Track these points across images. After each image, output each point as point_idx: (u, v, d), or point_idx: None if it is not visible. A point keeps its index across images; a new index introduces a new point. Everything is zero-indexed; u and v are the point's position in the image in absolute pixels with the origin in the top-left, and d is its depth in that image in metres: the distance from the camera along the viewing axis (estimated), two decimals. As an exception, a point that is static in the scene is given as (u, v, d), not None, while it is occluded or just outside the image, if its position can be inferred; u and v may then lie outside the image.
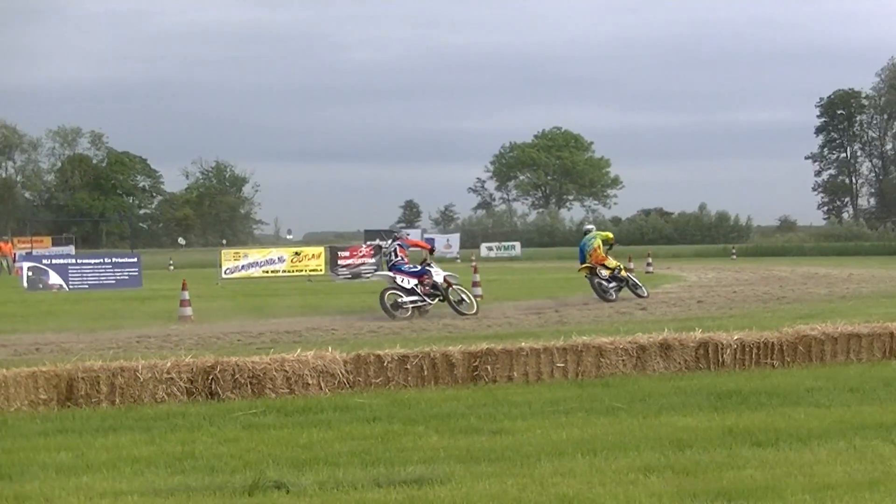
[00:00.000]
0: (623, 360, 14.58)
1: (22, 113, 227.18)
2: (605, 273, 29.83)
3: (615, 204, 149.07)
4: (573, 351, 14.53)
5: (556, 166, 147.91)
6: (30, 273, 42.48)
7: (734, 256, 72.89)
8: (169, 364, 13.37)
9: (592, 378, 14.31)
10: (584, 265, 30.19)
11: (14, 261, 65.01)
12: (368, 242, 66.63)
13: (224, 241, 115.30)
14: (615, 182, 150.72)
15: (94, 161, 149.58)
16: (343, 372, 13.85)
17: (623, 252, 46.05)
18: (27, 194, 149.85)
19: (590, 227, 32.76)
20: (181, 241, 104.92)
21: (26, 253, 66.74)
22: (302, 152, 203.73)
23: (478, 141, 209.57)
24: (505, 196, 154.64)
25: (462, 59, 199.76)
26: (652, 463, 9.45)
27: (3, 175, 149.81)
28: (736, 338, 15.03)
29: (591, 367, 14.48)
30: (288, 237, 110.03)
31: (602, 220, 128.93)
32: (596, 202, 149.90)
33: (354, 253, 49.99)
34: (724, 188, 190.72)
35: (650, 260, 51.02)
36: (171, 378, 13.29)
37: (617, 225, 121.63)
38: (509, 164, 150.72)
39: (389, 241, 28.29)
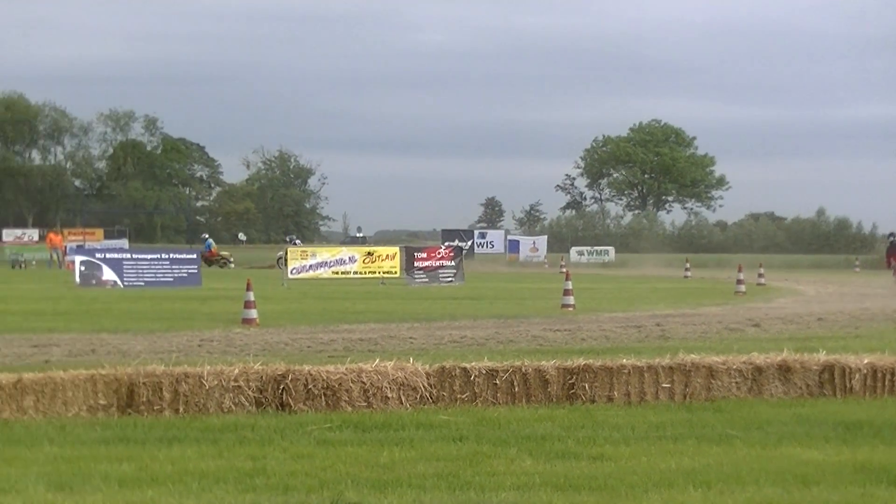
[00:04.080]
0: (736, 383, 14.44)
1: (72, 95, 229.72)
2: None
3: (720, 206, 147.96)
4: (680, 370, 14.41)
5: (654, 163, 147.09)
6: (82, 268, 42.96)
7: (857, 269, 72.05)
8: (237, 371, 13.44)
9: (702, 401, 14.19)
10: None
11: (65, 254, 66.08)
12: (447, 243, 66.92)
13: (288, 238, 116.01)
14: (720, 182, 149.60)
15: (148, 148, 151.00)
16: (426, 385, 13.83)
17: (730, 260, 45.63)
18: (77, 182, 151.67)
19: None
20: (242, 236, 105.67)
21: (77, 246, 67.73)
22: (372, 142, 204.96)
23: (567, 134, 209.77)
24: (597, 195, 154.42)
25: (547, 44, 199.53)
26: (774, 499, 9.34)
27: (53, 161, 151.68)
28: (866, 361, 14.76)
29: (701, 389, 14.36)
30: (357, 235, 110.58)
31: (705, 223, 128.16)
32: (699, 204, 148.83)
33: (432, 254, 49.93)
34: (846, 191, 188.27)
35: (762, 270, 50.55)
36: (239, 386, 13.36)
37: (723, 231, 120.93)
38: (602, 159, 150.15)
39: None
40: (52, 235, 74.26)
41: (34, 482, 9.74)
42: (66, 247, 69.29)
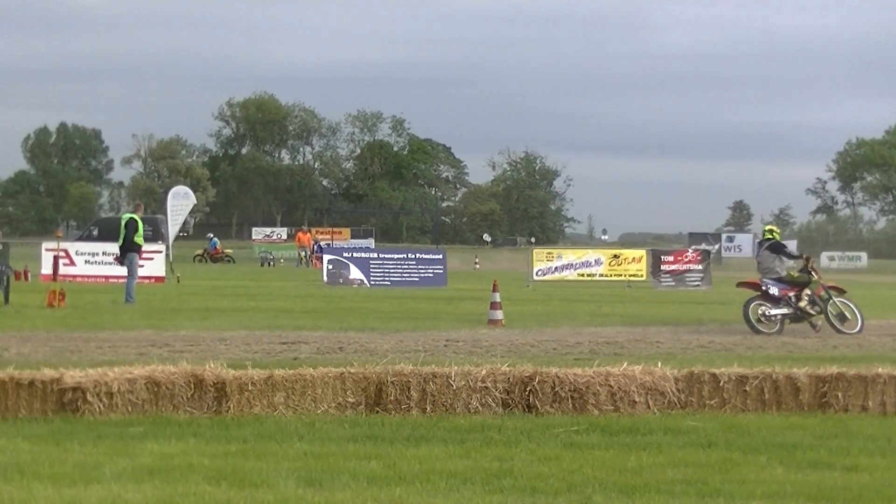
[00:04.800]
0: None
1: (321, 96, 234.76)
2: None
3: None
4: (940, 380, 14.01)
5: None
6: (330, 266, 43.95)
7: None
8: (484, 372, 13.52)
9: (963, 413, 13.78)
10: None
11: (312, 252, 67.65)
12: (694, 247, 66.34)
13: (533, 240, 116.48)
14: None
15: (395, 148, 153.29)
16: (674, 390, 13.72)
17: None
18: (325, 182, 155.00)
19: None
20: (487, 237, 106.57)
21: (325, 245, 69.28)
22: (618, 145, 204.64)
23: (818, 136, 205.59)
24: (849, 199, 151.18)
25: (797, 44, 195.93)
26: None
27: (301, 161, 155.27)
28: None
29: (961, 401, 13.93)
30: (603, 238, 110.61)
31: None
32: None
33: (679, 258, 49.53)
34: None
35: None
36: (486, 387, 13.43)
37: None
38: (855, 163, 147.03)
39: None
40: (300, 234, 76.12)
41: (285, 477, 9.97)
42: (313, 245, 71.04)
